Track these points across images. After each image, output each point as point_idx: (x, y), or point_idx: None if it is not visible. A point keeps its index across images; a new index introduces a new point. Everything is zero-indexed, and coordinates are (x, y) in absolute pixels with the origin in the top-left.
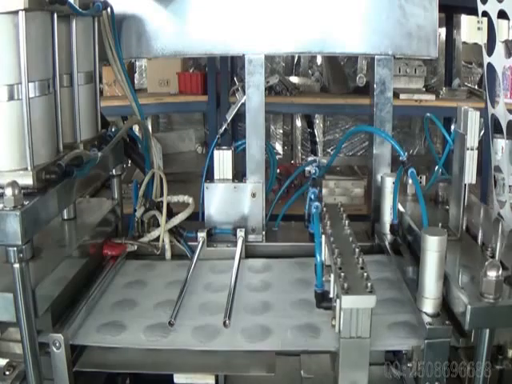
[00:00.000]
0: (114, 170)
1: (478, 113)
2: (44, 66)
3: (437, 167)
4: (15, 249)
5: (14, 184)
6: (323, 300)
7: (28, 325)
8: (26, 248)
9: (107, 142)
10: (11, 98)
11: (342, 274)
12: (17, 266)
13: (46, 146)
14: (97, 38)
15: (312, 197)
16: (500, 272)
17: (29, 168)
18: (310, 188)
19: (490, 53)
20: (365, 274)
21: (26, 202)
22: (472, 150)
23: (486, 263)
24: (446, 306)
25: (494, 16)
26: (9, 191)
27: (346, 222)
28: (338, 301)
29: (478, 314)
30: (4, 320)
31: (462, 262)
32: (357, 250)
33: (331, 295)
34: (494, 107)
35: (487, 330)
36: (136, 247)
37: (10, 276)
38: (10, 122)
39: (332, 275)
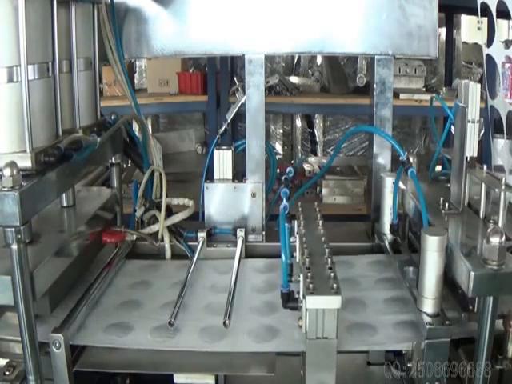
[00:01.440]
0: (113, 159)
1: (478, 85)
2: (43, 49)
3: (437, 146)
4: (13, 229)
5: (12, 164)
6: (289, 300)
7: (26, 308)
8: (24, 229)
9: (107, 129)
10: (10, 80)
11: (309, 274)
12: (15, 247)
13: (44, 130)
14: (96, 24)
15: (282, 196)
16: (503, 238)
17: (27, 150)
18: (282, 188)
19: (489, 44)
20: (332, 275)
21: (24, 184)
22: (473, 122)
23: (489, 230)
24: (449, 280)
25: (493, 8)
26: (7, 171)
27: (320, 222)
28: (303, 301)
29: (482, 281)
30: (2, 303)
31: (464, 234)
32: (327, 250)
33: (298, 295)
34: (493, 99)
35: (491, 299)
36: (135, 237)
37: (9, 260)
38: (9, 104)
39: (301, 275)
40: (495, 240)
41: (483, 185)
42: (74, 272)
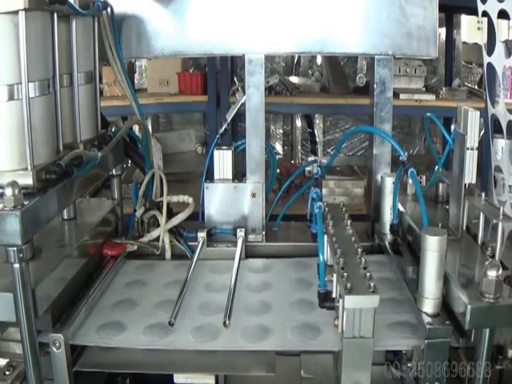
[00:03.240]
0: (114, 170)
1: (477, 113)
2: (44, 65)
3: (437, 167)
4: (15, 249)
5: (14, 184)
6: (326, 300)
7: (28, 325)
8: (25, 248)
9: (107, 141)
10: (11, 97)
11: (345, 274)
12: (17, 265)
13: (45, 146)
14: (97, 38)
15: (314, 196)
16: (500, 272)
17: (29, 168)
18: (313, 188)
19: (489, 53)
20: (367, 274)
21: (26, 202)
22: (472, 149)
23: (486, 263)
24: (446, 306)
25: (493, 16)
26: (9, 191)
27: (348, 221)
28: (340, 301)
29: (478, 314)
30: (4, 320)
31: (461, 262)
32: (359, 249)
33: (334, 295)
34: (494, 107)
35: (487, 330)
36: (136, 247)
37: (10, 276)
38: (10, 121)
39: (334, 275)
40: (492, 274)
41: (481, 213)
42: (75, 286)
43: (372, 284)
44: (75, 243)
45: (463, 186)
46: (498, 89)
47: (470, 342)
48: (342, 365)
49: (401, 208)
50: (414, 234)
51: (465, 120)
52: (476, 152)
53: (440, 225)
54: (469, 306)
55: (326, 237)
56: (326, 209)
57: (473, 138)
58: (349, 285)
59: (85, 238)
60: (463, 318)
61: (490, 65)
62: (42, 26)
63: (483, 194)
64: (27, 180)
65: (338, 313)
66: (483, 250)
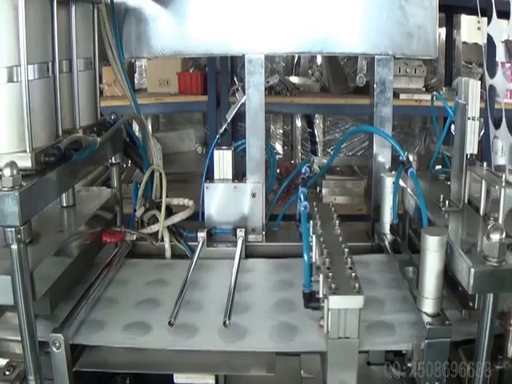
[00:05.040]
0: (113, 158)
1: (478, 82)
2: (43, 49)
3: (437, 144)
4: (13, 229)
5: (12, 164)
6: (311, 300)
7: (26, 308)
8: (24, 229)
9: (106, 129)
10: (10, 79)
11: (330, 274)
12: (15, 247)
13: (44, 129)
14: (96, 24)
15: (301, 196)
16: (503, 235)
17: (27, 150)
18: (300, 187)
19: (489, 23)
20: (353, 275)
21: (24, 183)
22: (473, 119)
23: (489, 226)
24: (449, 279)
25: None
26: (7, 171)
27: (337, 222)
28: (325, 301)
29: (482, 277)
30: (2, 303)
31: (464, 231)
32: (346, 250)
33: (319, 295)
34: (492, 77)
35: (491, 296)
36: (135, 237)
37: (9, 260)
38: (9, 103)
39: (321, 275)
40: (495, 237)
41: (483, 182)
42: (74, 272)
43: (357, 284)
44: (74, 229)
45: (465, 157)
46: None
47: (474, 315)
48: (328, 365)
49: (402, 183)
50: (416, 213)
51: (465, 90)
52: (477, 122)
53: (442, 197)
54: (472, 270)
55: (314, 237)
56: (315, 209)
57: (474, 108)
58: (333, 285)
59: (83, 224)
60: (467, 283)
61: (489, 36)
62: (41, 9)
63: (485, 164)
64: (26, 162)
65: (324, 313)
66: (485, 220)
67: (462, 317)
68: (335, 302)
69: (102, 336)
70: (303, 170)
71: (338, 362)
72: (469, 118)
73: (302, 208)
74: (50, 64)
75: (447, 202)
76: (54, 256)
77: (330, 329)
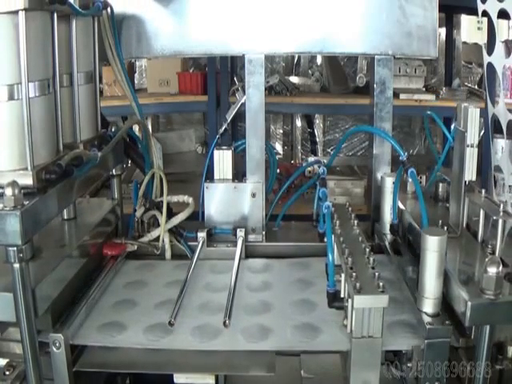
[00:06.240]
0: (114, 170)
1: (477, 110)
2: (44, 65)
3: (437, 166)
4: (15, 249)
5: (14, 184)
6: (335, 300)
7: (28, 325)
8: (25, 248)
9: (107, 141)
10: (11, 97)
11: (354, 274)
12: (17, 265)
13: (45, 146)
14: (97, 38)
15: (321, 196)
16: (500, 268)
17: (29, 168)
18: (319, 188)
19: (490, 52)
20: (376, 274)
21: (25, 202)
22: (472, 147)
23: (487, 259)
24: (446, 305)
25: (493, 16)
26: (9, 191)
27: (355, 221)
28: (349, 301)
29: (479, 311)
30: (4, 320)
31: (462, 260)
32: (367, 249)
33: (342, 295)
34: (494, 107)
35: (487, 327)
36: (136, 247)
37: (10, 276)
38: (10, 121)
39: (343, 275)
40: (492, 270)
41: (481, 211)
42: (75, 286)
43: (381, 284)
44: (75, 243)
45: (463, 183)
46: (498, 88)
47: (470, 341)
48: (351, 365)
49: (401, 206)
50: (414, 233)
51: (465, 117)
52: (476, 149)
53: (440, 222)
54: (469, 303)
55: (333, 237)
56: (333, 209)
57: (473, 135)
58: (358, 285)
59: (85, 238)
60: (463, 315)
61: (490, 64)
62: (41, 26)
63: (483, 191)
64: (27, 180)
65: (347, 313)
66: (483, 247)
67: (460, 345)
68: (360, 301)
69: (123, 338)
70: (321, 170)
71: (361, 361)
72: (467, 146)
73: (325, 209)
74: (51, 80)
75: (445, 228)
76: (56, 273)
77: (353, 328)
